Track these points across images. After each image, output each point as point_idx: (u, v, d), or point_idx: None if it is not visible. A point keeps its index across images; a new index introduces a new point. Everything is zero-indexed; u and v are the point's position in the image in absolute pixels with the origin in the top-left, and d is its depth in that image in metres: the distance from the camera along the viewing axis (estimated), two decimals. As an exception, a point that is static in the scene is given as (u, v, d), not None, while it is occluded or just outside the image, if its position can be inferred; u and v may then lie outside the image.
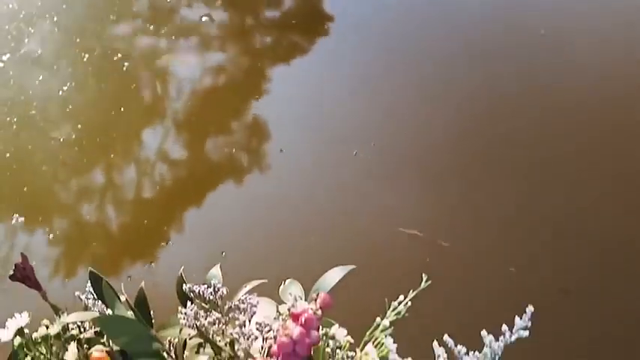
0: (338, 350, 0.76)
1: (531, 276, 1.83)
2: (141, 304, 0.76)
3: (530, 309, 0.67)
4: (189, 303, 0.79)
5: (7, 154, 2.14)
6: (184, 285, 0.77)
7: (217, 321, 0.76)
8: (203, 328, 0.75)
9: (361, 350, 0.76)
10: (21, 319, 0.83)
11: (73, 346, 0.77)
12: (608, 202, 2.00)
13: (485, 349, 0.68)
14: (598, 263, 1.87)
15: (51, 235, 1.98)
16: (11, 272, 0.94)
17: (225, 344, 0.75)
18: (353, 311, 0.91)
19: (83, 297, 0.86)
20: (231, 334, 0.73)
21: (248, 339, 0.74)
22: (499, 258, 1.88)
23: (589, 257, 1.88)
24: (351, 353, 0.76)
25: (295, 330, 0.72)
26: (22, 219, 1.92)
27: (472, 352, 0.69)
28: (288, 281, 0.86)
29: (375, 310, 0.80)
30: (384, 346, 0.76)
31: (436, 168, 2.12)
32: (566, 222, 1.97)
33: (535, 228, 1.96)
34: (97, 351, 0.72)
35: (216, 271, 0.84)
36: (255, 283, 0.85)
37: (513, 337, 0.67)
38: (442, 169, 2.11)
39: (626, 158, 2.11)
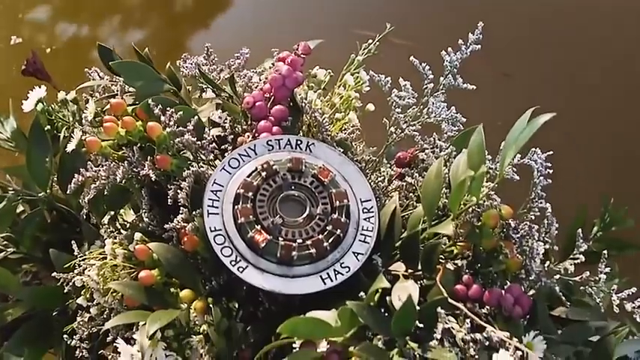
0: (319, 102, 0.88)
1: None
2: (146, 59, 0.87)
3: (480, 24, 0.78)
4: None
5: None
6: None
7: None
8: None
9: (339, 87, 0.88)
10: (40, 91, 0.94)
11: (91, 103, 0.88)
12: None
13: (446, 63, 0.80)
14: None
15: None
16: (23, 67, 1.04)
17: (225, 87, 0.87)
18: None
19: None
20: (232, 74, 0.85)
21: (246, 77, 0.86)
22: None
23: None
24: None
25: (283, 68, 0.84)
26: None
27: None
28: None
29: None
30: (359, 79, 0.88)
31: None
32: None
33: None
34: (114, 99, 0.84)
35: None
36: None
37: (469, 50, 0.80)
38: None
39: None
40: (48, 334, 0.86)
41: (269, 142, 0.79)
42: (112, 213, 0.90)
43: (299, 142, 0.79)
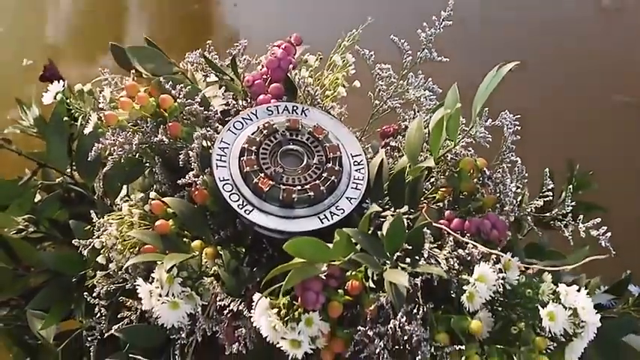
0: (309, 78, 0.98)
1: None
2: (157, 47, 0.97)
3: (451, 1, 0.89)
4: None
5: None
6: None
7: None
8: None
9: (328, 69, 0.99)
10: (59, 85, 1.04)
11: (106, 89, 0.97)
12: None
13: (422, 38, 0.91)
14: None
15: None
16: (41, 74, 1.14)
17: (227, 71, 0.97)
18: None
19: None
20: (234, 57, 0.95)
21: (245, 61, 0.97)
22: None
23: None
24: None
25: (279, 51, 0.95)
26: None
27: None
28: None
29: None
30: (346, 60, 0.99)
31: None
32: None
33: None
34: (128, 82, 0.94)
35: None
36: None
37: (442, 26, 0.91)
38: None
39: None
40: (68, 296, 0.94)
41: (268, 108, 0.89)
42: (125, 192, 0.99)
43: (295, 108, 0.89)
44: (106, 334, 0.87)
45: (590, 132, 1.93)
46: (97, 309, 0.90)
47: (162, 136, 0.87)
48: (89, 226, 0.92)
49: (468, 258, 0.75)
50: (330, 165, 0.84)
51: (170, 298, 0.79)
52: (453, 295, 0.76)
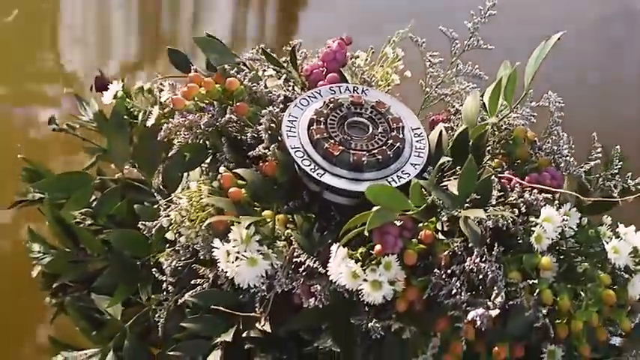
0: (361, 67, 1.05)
1: None
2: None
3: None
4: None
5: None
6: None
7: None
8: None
9: (379, 63, 1.05)
10: (117, 85, 1.09)
11: (167, 85, 1.03)
12: None
13: (469, 26, 0.98)
14: None
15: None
16: (92, 85, 1.19)
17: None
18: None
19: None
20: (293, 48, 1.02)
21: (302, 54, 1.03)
22: None
23: None
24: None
25: (334, 44, 1.02)
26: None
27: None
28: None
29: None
30: (396, 54, 1.05)
31: None
32: None
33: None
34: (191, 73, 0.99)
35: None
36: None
37: (487, 15, 0.98)
38: None
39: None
40: (133, 277, 0.97)
41: (331, 88, 0.95)
42: (185, 184, 1.03)
43: (356, 88, 0.95)
44: (178, 302, 0.90)
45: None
46: (164, 285, 0.93)
47: (231, 115, 0.92)
48: (154, 210, 0.96)
49: (534, 202, 0.80)
50: (394, 134, 0.89)
51: (249, 254, 0.83)
52: (520, 242, 0.80)
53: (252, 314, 0.85)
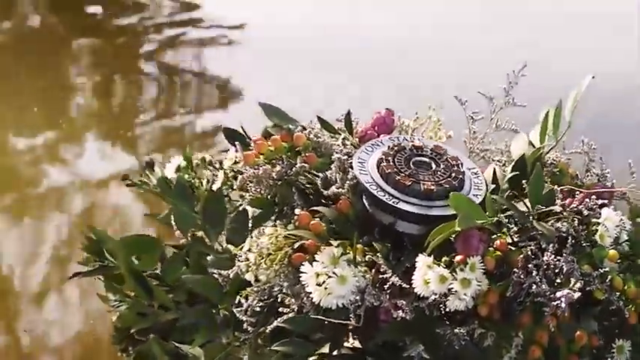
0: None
1: None
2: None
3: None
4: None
5: None
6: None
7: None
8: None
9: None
10: (179, 159, 1.18)
11: (231, 152, 1.12)
12: None
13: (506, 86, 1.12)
14: None
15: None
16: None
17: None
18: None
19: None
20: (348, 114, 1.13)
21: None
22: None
23: None
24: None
25: (383, 111, 1.13)
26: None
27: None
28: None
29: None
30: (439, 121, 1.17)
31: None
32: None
33: None
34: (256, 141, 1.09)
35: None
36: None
37: (520, 73, 1.11)
38: None
39: None
40: (212, 320, 1.02)
41: (391, 138, 1.06)
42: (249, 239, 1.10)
43: (412, 137, 1.06)
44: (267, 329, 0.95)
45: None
46: (245, 325, 0.98)
47: (302, 164, 1.02)
48: (226, 260, 1.03)
49: (594, 206, 0.90)
50: (455, 169, 0.99)
51: (339, 271, 0.90)
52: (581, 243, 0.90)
53: (345, 328, 0.91)
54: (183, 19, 3.41)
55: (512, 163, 0.99)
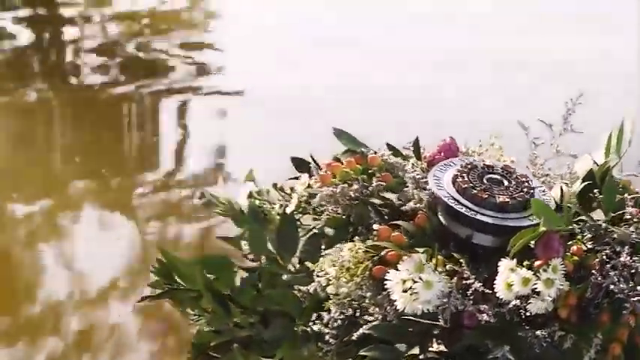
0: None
1: None
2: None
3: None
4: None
5: None
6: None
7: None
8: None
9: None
10: (249, 185, 1.24)
11: (304, 177, 1.18)
12: None
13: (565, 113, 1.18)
14: None
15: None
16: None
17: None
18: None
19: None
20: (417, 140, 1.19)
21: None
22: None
23: None
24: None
25: (447, 138, 1.19)
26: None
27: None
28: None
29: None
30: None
31: None
32: None
33: None
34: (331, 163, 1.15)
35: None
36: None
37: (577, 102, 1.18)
38: None
39: None
40: (294, 335, 1.06)
41: (461, 159, 1.11)
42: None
43: (482, 159, 1.12)
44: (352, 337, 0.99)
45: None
46: (327, 337, 1.02)
47: (378, 182, 1.08)
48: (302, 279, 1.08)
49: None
50: (525, 185, 1.05)
51: (425, 277, 0.94)
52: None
53: (430, 333, 0.95)
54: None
55: (583, 175, 1.04)
